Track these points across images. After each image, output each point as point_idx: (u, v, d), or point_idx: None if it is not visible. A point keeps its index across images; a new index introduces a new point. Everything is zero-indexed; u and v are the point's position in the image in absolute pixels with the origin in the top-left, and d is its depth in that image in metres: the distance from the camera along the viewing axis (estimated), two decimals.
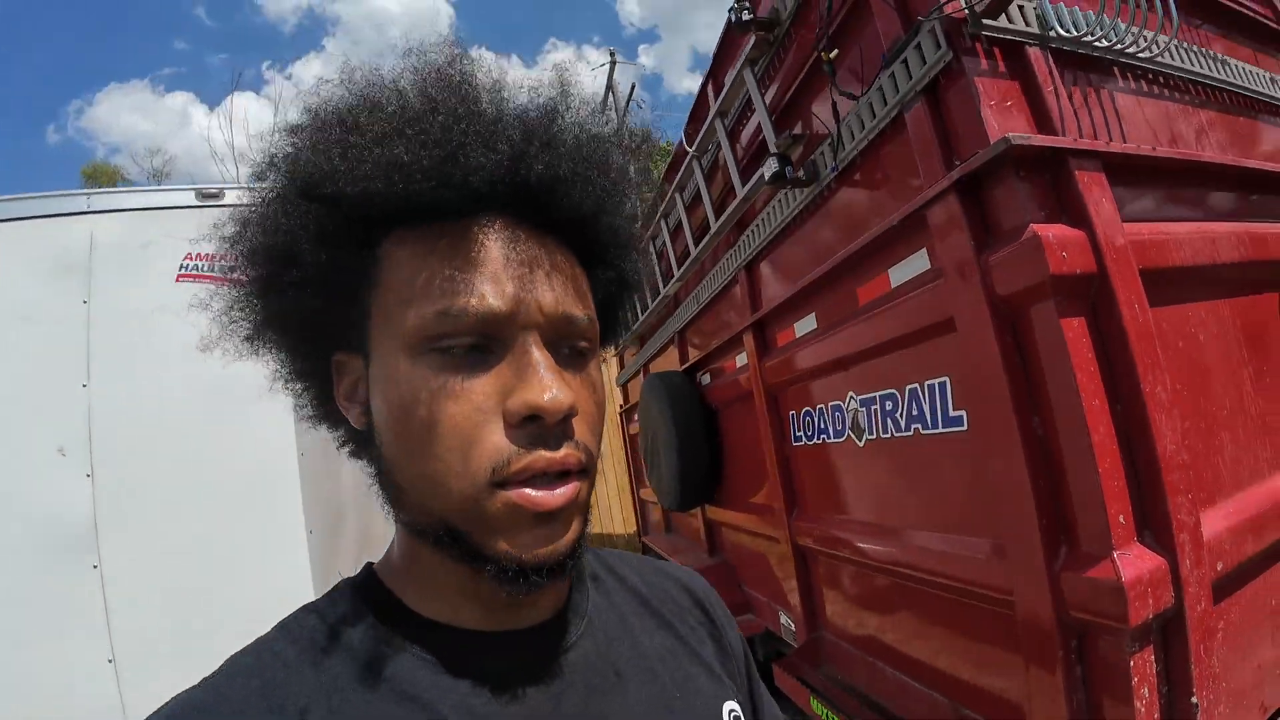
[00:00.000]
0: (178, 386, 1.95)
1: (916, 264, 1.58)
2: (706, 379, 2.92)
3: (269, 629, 0.46)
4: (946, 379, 1.53)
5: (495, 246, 0.43)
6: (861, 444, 1.84)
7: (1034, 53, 1.42)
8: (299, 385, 0.53)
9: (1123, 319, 1.26)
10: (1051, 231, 1.25)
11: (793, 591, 2.28)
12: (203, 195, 2.10)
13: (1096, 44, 1.47)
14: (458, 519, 0.42)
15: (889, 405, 1.72)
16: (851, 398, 1.87)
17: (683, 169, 2.62)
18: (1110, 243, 1.28)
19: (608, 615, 0.55)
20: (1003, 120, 1.38)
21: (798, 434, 2.17)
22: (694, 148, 2.46)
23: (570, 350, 0.46)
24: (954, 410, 1.51)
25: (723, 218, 2.31)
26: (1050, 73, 1.42)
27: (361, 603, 0.47)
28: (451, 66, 0.46)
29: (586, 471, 0.44)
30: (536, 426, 0.41)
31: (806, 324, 2.04)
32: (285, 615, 0.47)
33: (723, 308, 2.69)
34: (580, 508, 0.44)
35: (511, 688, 0.45)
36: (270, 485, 2.05)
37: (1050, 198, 1.33)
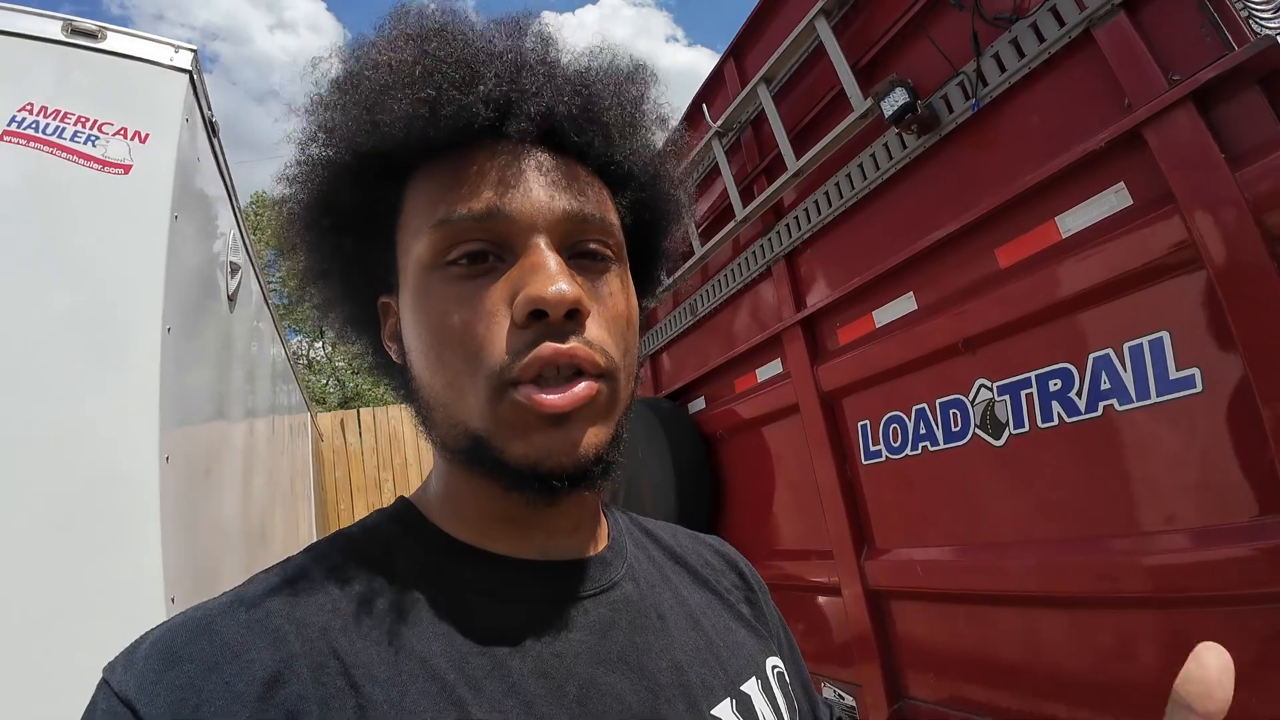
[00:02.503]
0: None
1: (1107, 202, 1.32)
2: (700, 404, 2.44)
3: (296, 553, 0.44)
4: (1164, 334, 1.24)
5: (499, 162, 0.43)
6: (1001, 442, 1.49)
7: None
8: (354, 334, 0.53)
9: None
10: None
11: (861, 654, 1.79)
12: (74, 30, 1.31)
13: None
14: (478, 424, 0.41)
15: (1055, 385, 1.39)
16: (982, 386, 1.52)
17: (699, 149, 2.26)
18: None
19: (647, 566, 0.54)
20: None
21: (873, 448, 1.77)
22: (719, 123, 2.12)
23: (586, 255, 0.45)
24: (1178, 370, 1.23)
25: (768, 191, 1.95)
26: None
27: (399, 528, 0.47)
28: (433, 19, 0.46)
29: (607, 375, 0.43)
30: (543, 324, 0.40)
31: (897, 308, 1.70)
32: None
33: (738, 314, 2.28)
34: (599, 412, 0.42)
35: (553, 618, 0.44)
36: (106, 512, 1.18)
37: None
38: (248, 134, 32.21)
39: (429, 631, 0.40)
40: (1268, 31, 1.56)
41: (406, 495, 0.50)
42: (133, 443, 1.17)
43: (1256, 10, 1.25)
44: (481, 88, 0.43)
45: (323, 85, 0.46)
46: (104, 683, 0.35)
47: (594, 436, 0.42)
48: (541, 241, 0.42)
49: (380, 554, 0.43)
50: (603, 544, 0.52)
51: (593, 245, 0.45)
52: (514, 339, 0.40)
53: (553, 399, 0.40)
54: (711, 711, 0.45)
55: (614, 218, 0.47)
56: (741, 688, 0.49)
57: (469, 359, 0.40)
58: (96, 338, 1.19)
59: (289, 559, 0.43)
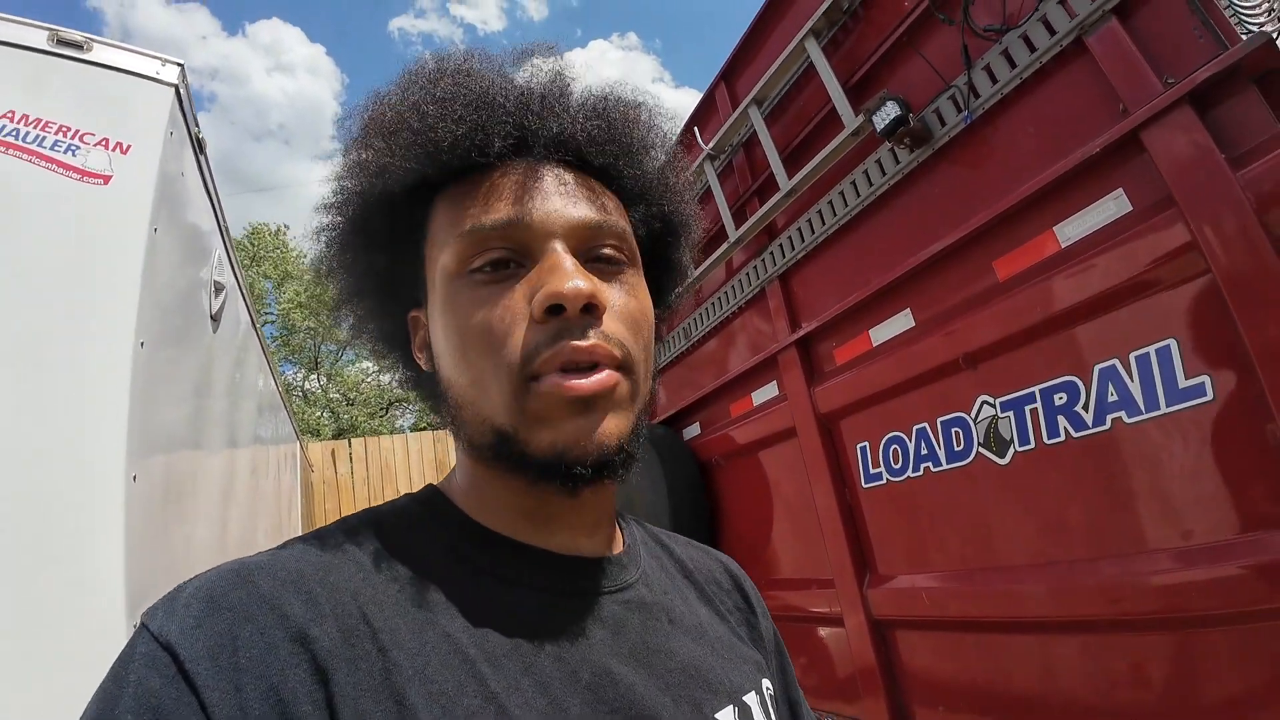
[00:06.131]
0: None
1: (1106, 209, 1.29)
2: (694, 430, 2.38)
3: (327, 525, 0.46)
4: (1171, 341, 1.20)
5: (517, 178, 0.46)
6: (1006, 461, 1.43)
7: None
8: (386, 349, 0.56)
9: None
10: None
11: (865, 687, 1.69)
12: (60, 40, 1.30)
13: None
14: (504, 419, 0.43)
15: (1060, 399, 1.34)
16: (984, 403, 1.47)
17: (690, 172, 2.25)
18: None
19: (660, 575, 0.56)
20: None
21: (873, 471, 1.70)
22: (710, 145, 2.11)
23: (601, 259, 0.47)
24: (1188, 379, 1.18)
25: (761, 211, 1.93)
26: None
27: (427, 510, 0.48)
28: (450, 61, 0.50)
29: (625, 367, 0.44)
30: (561, 320, 0.42)
31: (895, 325, 1.66)
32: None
33: (732, 337, 2.24)
34: (620, 402, 0.44)
35: (571, 609, 0.45)
36: (67, 533, 1.12)
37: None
38: (245, 171, 32.65)
39: (452, 609, 0.41)
40: (1252, 29, 1.56)
41: (433, 484, 0.52)
42: (97, 459, 1.11)
43: (1243, 10, 1.24)
44: (491, 116, 0.46)
45: (354, 127, 0.51)
46: (143, 628, 0.35)
47: (615, 425, 0.43)
48: (559, 246, 0.44)
49: (408, 533, 0.45)
50: (619, 549, 0.54)
51: (607, 250, 0.47)
52: (534, 334, 0.42)
53: (578, 383, 0.41)
54: (715, 715, 0.47)
55: (627, 225, 0.50)
56: (743, 698, 0.50)
57: (493, 356, 0.42)
58: (66, 348, 1.15)
59: (321, 529, 0.44)
